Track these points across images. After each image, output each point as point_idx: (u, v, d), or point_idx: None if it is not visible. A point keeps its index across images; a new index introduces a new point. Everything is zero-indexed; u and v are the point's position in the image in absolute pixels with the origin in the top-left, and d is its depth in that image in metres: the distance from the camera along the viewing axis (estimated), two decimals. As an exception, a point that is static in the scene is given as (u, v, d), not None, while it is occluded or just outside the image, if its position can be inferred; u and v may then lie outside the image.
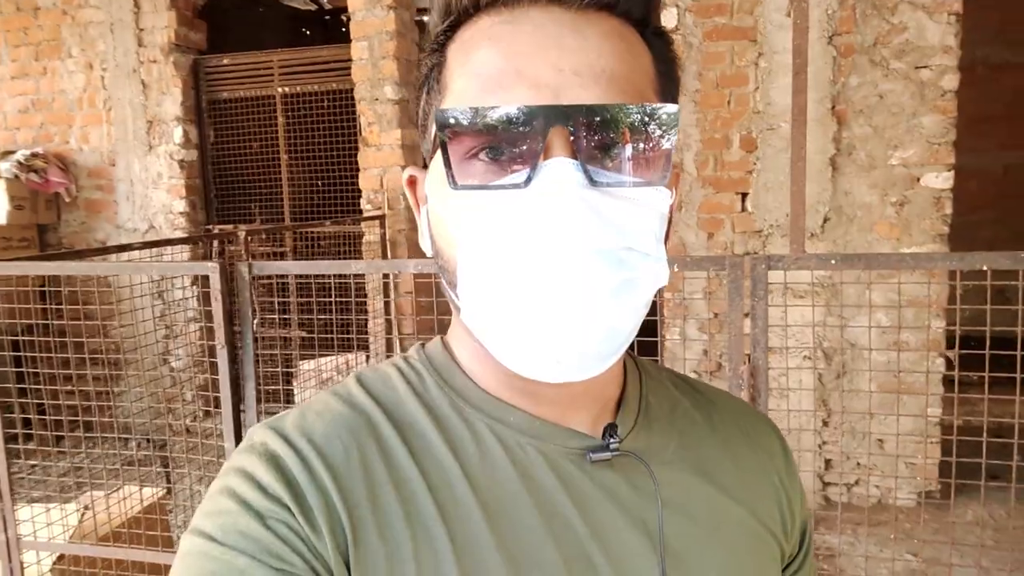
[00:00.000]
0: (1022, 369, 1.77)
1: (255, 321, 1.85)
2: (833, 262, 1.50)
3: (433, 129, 0.55)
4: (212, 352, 2.00)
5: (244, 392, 1.89)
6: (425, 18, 5.35)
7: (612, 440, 0.57)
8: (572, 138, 0.49)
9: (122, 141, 5.05)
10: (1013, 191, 6.55)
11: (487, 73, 0.51)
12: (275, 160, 4.94)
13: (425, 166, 0.60)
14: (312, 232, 4.71)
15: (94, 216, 5.22)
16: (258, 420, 1.93)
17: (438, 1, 0.56)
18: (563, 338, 0.49)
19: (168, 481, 3.70)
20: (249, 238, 3.66)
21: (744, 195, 3.81)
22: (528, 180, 0.49)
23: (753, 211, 3.78)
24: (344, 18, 6.94)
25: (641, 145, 0.50)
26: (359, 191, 4.47)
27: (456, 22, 0.55)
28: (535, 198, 0.48)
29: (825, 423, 3.69)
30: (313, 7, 6.75)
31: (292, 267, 1.90)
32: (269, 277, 2.79)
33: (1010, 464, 1.88)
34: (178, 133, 4.91)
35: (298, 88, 4.75)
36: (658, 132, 0.50)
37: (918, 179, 3.52)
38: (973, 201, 5.33)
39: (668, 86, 0.57)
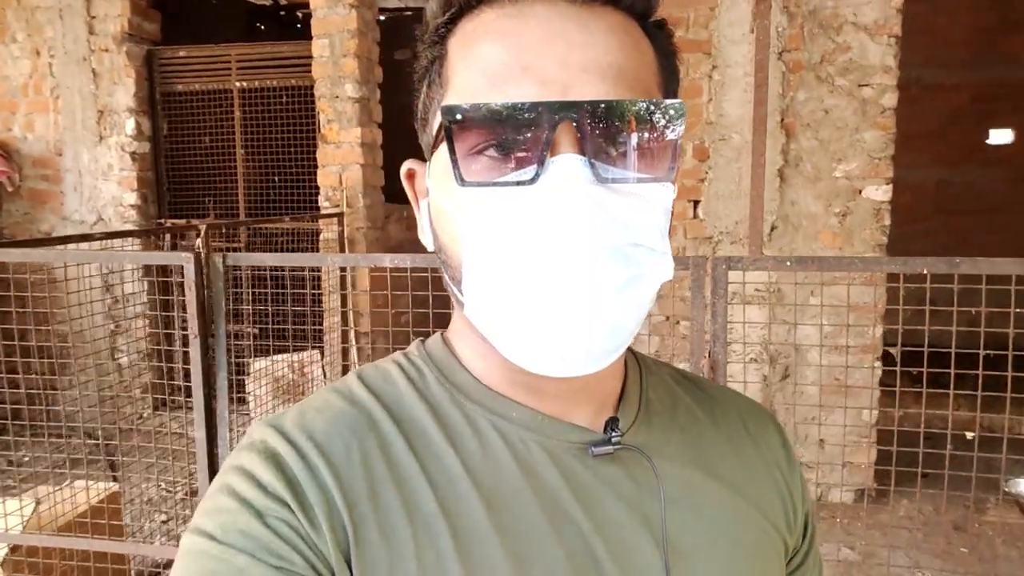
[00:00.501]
0: (956, 372, 1.91)
1: (221, 314, 1.86)
2: (788, 264, 1.61)
3: (436, 123, 0.55)
4: (167, 341, 2.00)
5: (216, 383, 1.91)
6: (382, 18, 5.37)
7: (614, 434, 0.57)
8: (580, 134, 0.49)
9: (70, 130, 4.93)
10: (945, 205, 6.91)
11: (493, 68, 0.51)
12: (231, 154, 4.88)
13: (422, 159, 0.60)
14: (268, 228, 4.68)
15: (39, 207, 5.07)
16: (229, 411, 1.95)
17: None
18: (569, 334, 0.49)
19: (114, 478, 3.64)
20: (210, 231, 3.63)
21: (696, 203, 3.95)
22: (536, 177, 0.49)
23: (704, 218, 3.93)
24: (299, 14, 6.90)
25: (648, 140, 0.50)
26: (317, 188, 4.46)
27: (457, 14, 0.55)
28: (543, 195, 0.49)
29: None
30: (268, 2, 6.69)
31: (268, 259, 1.93)
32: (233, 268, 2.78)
33: (942, 462, 2.02)
34: (130, 124, 4.81)
35: (256, 83, 4.72)
36: (665, 127, 0.50)
37: (860, 191, 3.71)
38: (908, 214, 5.62)
39: (670, 79, 0.57)
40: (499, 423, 0.57)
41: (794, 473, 0.68)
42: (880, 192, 3.68)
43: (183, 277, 1.84)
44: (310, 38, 4.36)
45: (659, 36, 0.56)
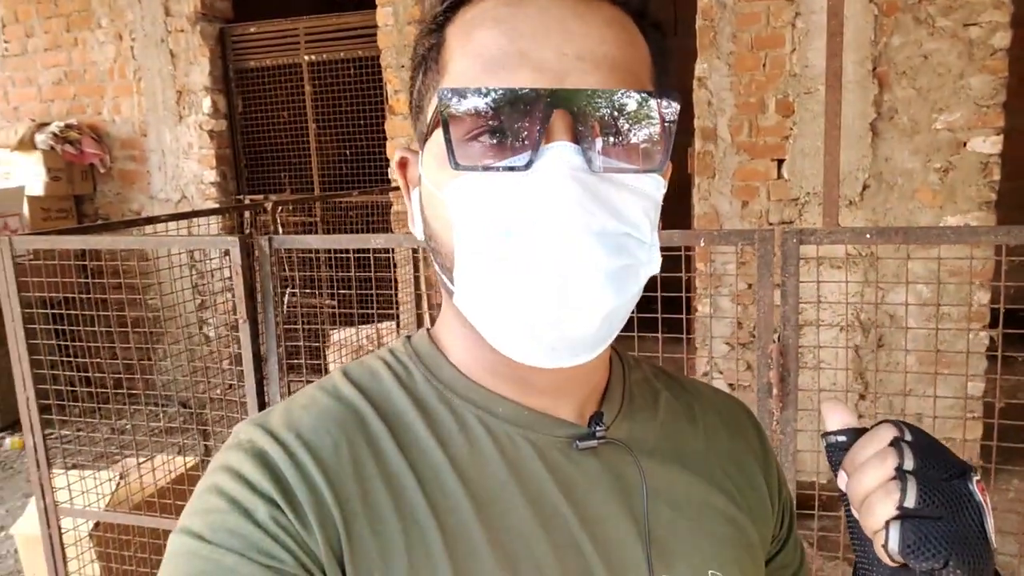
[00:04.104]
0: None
1: (288, 292, 1.84)
2: (868, 236, 1.42)
3: (430, 109, 0.55)
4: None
5: (267, 367, 1.89)
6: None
7: (598, 428, 0.58)
8: (574, 122, 0.49)
9: (152, 111, 5.07)
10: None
11: (490, 54, 0.51)
12: (303, 129, 4.92)
13: (416, 148, 0.60)
14: (341, 202, 4.70)
15: (128, 186, 5.27)
16: (281, 396, 1.93)
17: None
18: (559, 323, 0.49)
19: (206, 447, 3.77)
20: (279, 208, 3.66)
21: (780, 162, 3.69)
22: (529, 163, 0.49)
23: (789, 178, 3.66)
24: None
25: (642, 132, 0.51)
26: (387, 160, 4.43)
27: (457, 2, 0.55)
28: (536, 181, 0.48)
29: (862, 396, 3.60)
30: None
31: (313, 241, 1.88)
32: (292, 250, 2.78)
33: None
34: (207, 103, 4.91)
35: (324, 56, 4.71)
36: (659, 119, 0.51)
37: (964, 144, 3.36)
38: (1021, 168, 5.12)
39: (663, 77, 0.57)
40: (486, 418, 0.58)
41: (770, 464, 0.70)
42: (988, 144, 3.32)
43: (229, 261, 1.81)
44: (376, 8, 4.30)
45: (654, 34, 0.57)
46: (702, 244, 1.63)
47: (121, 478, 2.69)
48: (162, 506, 2.38)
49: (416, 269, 4.22)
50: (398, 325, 4.29)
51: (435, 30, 0.56)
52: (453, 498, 0.54)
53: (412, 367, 0.61)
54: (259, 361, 1.89)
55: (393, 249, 4.22)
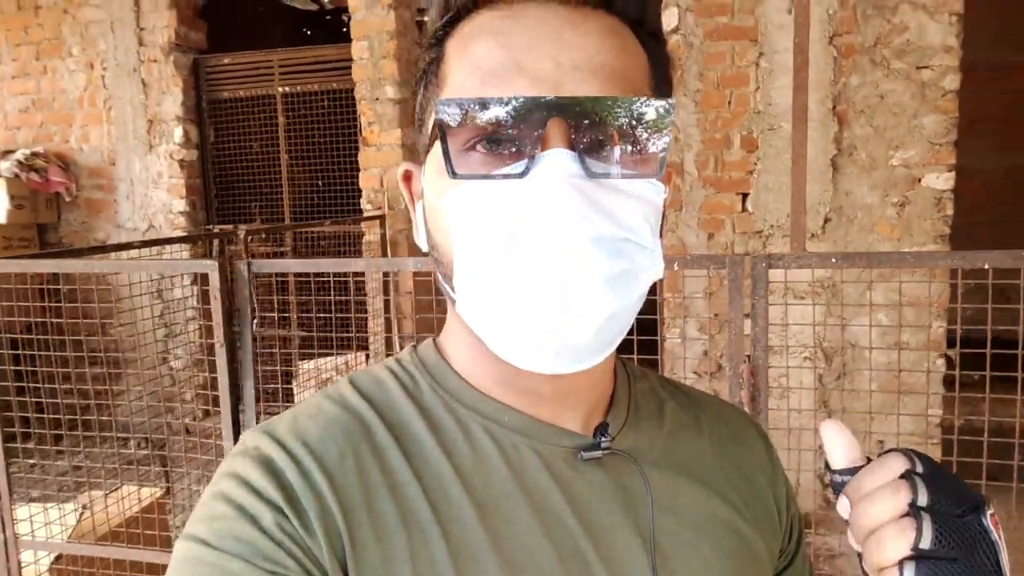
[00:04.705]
0: (1023, 369, 1.76)
1: (254, 321, 1.84)
2: (834, 260, 1.49)
3: (431, 122, 0.55)
4: (212, 351, 1.99)
5: (243, 391, 1.89)
6: (426, 18, 5.35)
7: (603, 439, 0.58)
8: (570, 130, 0.49)
9: (122, 140, 5.05)
10: (1014, 193, 6.54)
11: (487, 65, 0.52)
12: (275, 160, 4.93)
13: (419, 161, 0.60)
14: (312, 232, 4.70)
15: (94, 215, 5.22)
16: (257, 420, 1.93)
17: None
18: (560, 328, 0.50)
19: (167, 481, 3.70)
20: (249, 237, 3.66)
21: (745, 195, 3.80)
22: (526, 171, 0.49)
23: (754, 211, 3.78)
24: (345, 18, 6.95)
25: (638, 138, 0.51)
26: (359, 191, 4.46)
27: (455, 17, 0.56)
28: (533, 188, 0.49)
29: (825, 424, 3.68)
30: (314, 7, 6.75)
31: (292, 265, 1.90)
32: (269, 275, 2.78)
33: (1011, 465, 1.87)
34: (178, 133, 4.90)
35: (299, 88, 4.75)
36: (655, 126, 0.51)
37: (919, 179, 3.51)
38: (974, 203, 5.33)
39: (662, 85, 0.58)
40: (491, 427, 0.57)
41: (777, 477, 0.69)
42: (941, 180, 3.48)
43: (208, 285, 1.82)
44: (352, 41, 4.36)
45: (652, 43, 0.57)
46: (675, 268, 1.69)
47: (84, 509, 2.63)
48: (129, 536, 2.33)
49: (386, 295, 4.22)
50: (367, 356, 4.27)
51: (435, 44, 0.57)
52: (458, 507, 0.54)
53: (418, 376, 0.61)
54: (235, 386, 1.89)
55: (364, 278, 4.23)
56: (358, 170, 4.44)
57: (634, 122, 0.50)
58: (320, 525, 0.50)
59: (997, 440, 1.82)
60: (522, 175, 0.49)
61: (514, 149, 0.50)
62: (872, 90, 3.52)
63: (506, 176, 0.50)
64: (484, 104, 0.49)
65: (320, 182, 4.90)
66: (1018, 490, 1.87)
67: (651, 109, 0.51)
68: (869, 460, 0.48)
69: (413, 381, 0.60)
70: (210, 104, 5.00)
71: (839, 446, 0.49)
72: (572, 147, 0.49)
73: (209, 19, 5.10)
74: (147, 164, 5.01)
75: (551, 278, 0.48)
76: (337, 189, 4.77)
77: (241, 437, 0.57)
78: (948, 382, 3.50)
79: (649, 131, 0.51)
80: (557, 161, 0.49)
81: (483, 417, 0.58)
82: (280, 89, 4.78)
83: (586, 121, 0.49)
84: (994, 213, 6.25)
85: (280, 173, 4.94)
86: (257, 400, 1.86)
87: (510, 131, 0.49)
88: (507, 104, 0.49)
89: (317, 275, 3.38)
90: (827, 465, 0.48)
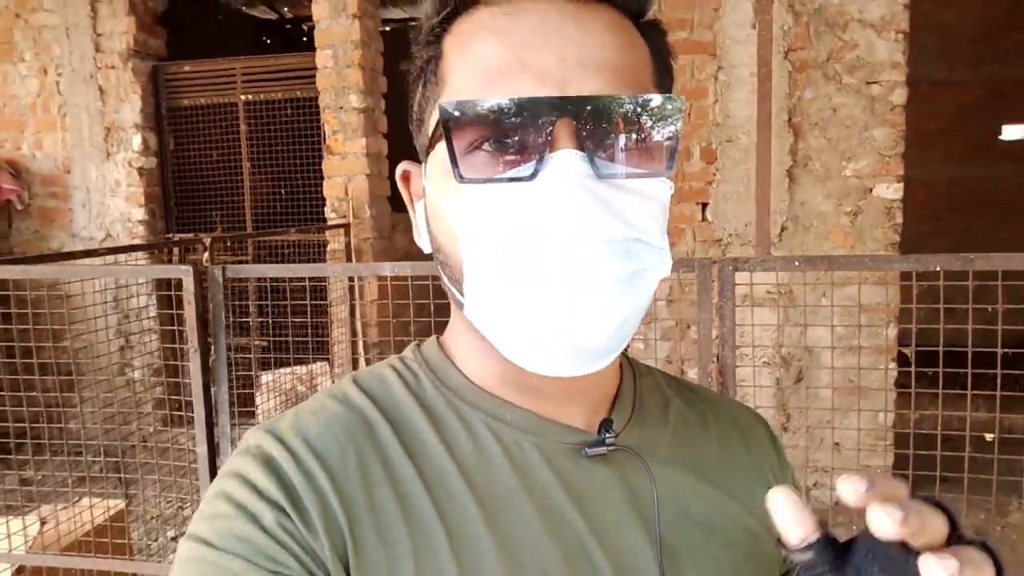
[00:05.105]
0: (973, 372, 1.85)
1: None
2: (797, 264, 1.57)
3: (432, 123, 0.54)
4: (177, 356, 1.98)
5: (217, 397, 1.88)
6: (386, 29, 5.37)
7: (608, 435, 0.57)
8: (578, 130, 0.48)
9: (78, 148, 4.95)
10: (958, 203, 6.83)
11: (490, 64, 0.51)
12: (237, 168, 4.89)
13: (417, 160, 0.60)
14: (275, 240, 4.67)
15: (48, 224, 5.09)
16: (231, 426, 1.93)
17: None
18: (572, 331, 0.49)
19: (125, 495, 3.62)
20: (216, 245, 3.62)
21: (704, 205, 3.90)
22: (535, 173, 0.49)
23: (713, 221, 3.88)
24: (305, 27, 6.93)
25: (646, 136, 0.50)
26: (323, 199, 4.45)
27: (453, 13, 0.55)
28: (543, 190, 0.48)
29: (784, 428, 3.79)
30: (274, 16, 6.72)
31: (267, 270, 1.90)
32: (237, 280, 2.76)
33: (961, 465, 1.96)
34: (137, 140, 4.82)
35: (262, 96, 4.72)
36: (663, 123, 0.51)
37: (870, 190, 3.65)
38: (921, 213, 5.54)
39: (664, 77, 0.57)
40: (494, 425, 0.57)
41: (786, 474, 0.68)
42: (891, 190, 3.63)
43: (183, 290, 1.82)
44: (315, 50, 4.36)
45: (653, 34, 0.57)
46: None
47: (43, 523, 2.58)
48: (92, 547, 2.29)
49: (352, 312, 4.22)
50: (331, 365, 4.25)
51: (432, 42, 0.56)
52: (460, 504, 0.53)
53: (421, 374, 0.60)
54: (208, 391, 1.89)
55: (327, 288, 4.21)
56: (321, 179, 4.43)
57: (643, 120, 0.50)
58: (322, 523, 0.50)
59: (950, 432, 1.91)
60: (531, 177, 0.49)
61: (521, 150, 0.49)
62: (825, 103, 3.65)
63: (514, 179, 0.49)
64: (489, 105, 0.48)
65: (283, 190, 4.87)
66: (967, 490, 1.96)
67: (659, 106, 0.50)
68: (824, 528, 0.40)
69: (416, 378, 0.60)
70: (170, 112, 4.93)
71: (791, 523, 0.40)
72: (581, 147, 0.48)
73: (168, 27, 5.05)
74: (104, 172, 4.92)
75: (561, 281, 0.48)
76: (300, 198, 4.74)
77: (244, 435, 0.57)
78: (900, 387, 3.64)
79: (658, 128, 0.51)
80: (566, 163, 0.48)
81: (486, 414, 0.57)
82: (243, 97, 4.75)
83: (594, 120, 0.48)
84: (940, 223, 6.52)
85: (242, 181, 4.89)
86: (230, 404, 1.86)
87: (517, 132, 0.49)
88: (514, 105, 0.48)
89: (279, 282, 3.37)
90: (779, 541, 0.41)
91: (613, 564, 0.54)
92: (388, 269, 1.73)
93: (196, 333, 1.82)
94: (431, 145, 0.55)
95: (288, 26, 6.96)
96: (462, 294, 0.54)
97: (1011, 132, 6.85)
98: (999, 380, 1.78)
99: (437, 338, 0.64)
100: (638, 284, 0.51)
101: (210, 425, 1.89)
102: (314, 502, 0.50)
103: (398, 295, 2.01)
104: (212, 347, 1.89)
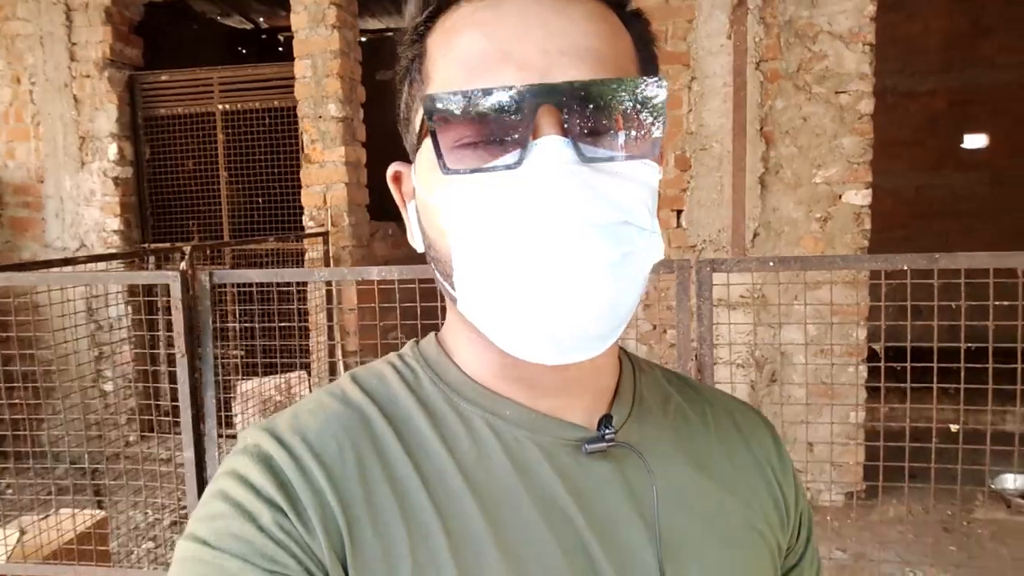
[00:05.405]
0: (939, 373, 1.93)
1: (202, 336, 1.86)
2: (771, 264, 1.63)
3: (418, 120, 0.55)
4: (154, 364, 1.99)
5: (204, 403, 1.90)
6: (363, 39, 5.40)
7: (607, 431, 0.57)
8: (561, 116, 0.49)
9: (51, 157, 4.91)
10: (924, 210, 7.00)
11: (473, 58, 0.51)
12: (214, 177, 4.88)
13: (409, 160, 0.60)
14: (253, 250, 4.67)
15: (19, 235, 5.04)
16: (218, 430, 1.94)
17: None
18: (564, 316, 0.49)
19: (100, 504, 3.59)
20: (195, 253, 3.62)
21: (679, 212, 3.98)
22: (520, 160, 0.49)
23: (687, 227, 3.96)
24: (280, 37, 6.93)
25: (630, 119, 0.51)
26: (301, 208, 4.46)
27: (436, 11, 0.55)
28: (528, 177, 0.48)
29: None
30: (249, 26, 6.73)
31: (255, 275, 1.93)
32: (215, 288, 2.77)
33: (930, 460, 2.03)
34: (112, 150, 4.80)
35: (239, 105, 4.73)
36: (645, 106, 0.51)
37: (840, 196, 3.76)
38: (888, 220, 5.68)
39: (649, 65, 0.58)
40: (493, 421, 0.57)
41: (787, 472, 0.68)
42: (860, 196, 3.73)
43: (169, 296, 1.83)
44: (292, 60, 4.39)
45: (636, 24, 0.57)
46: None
47: (23, 533, 2.56)
48: (70, 556, 2.28)
49: (330, 319, 4.23)
50: (309, 374, 4.24)
51: (416, 41, 0.56)
52: (459, 501, 0.53)
53: (419, 371, 0.60)
54: (195, 397, 1.90)
55: (306, 295, 4.22)
56: (299, 188, 4.45)
57: (625, 103, 0.50)
58: (319, 522, 0.50)
59: (918, 425, 1.98)
60: (515, 165, 0.49)
61: (506, 139, 0.49)
62: (796, 113, 3.75)
63: (499, 168, 0.49)
64: (472, 97, 0.49)
65: (260, 199, 4.87)
66: (934, 487, 2.03)
67: (641, 89, 0.50)
68: None
69: (415, 376, 0.60)
70: (146, 121, 4.92)
71: None
72: (564, 133, 0.49)
73: (143, 36, 5.03)
74: (78, 182, 4.88)
75: (551, 267, 0.48)
76: (278, 206, 4.75)
77: (242, 434, 0.57)
78: (870, 389, 3.73)
79: (641, 111, 0.51)
80: (550, 148, 0.48)
81: (484, 411, 0.57)
82: (220, 107, 4.75)
83: (577, 106, 0.48)
84: (907, 229, 6.68)
85: (219, 191, 4.89)
86: (222, 408, 1.87)
87: (501, 121, 0.49)
88: (496, 95, 0.48)
89: (260, 286, 3.38)
90: None
91: (613, 560, 0.54)
92: (376, 273, 1.76)
93: (184, 339, 1.84)
94: (419, 143, 0.56)
95: (263, 36, 6.97)
96: (454, 288, 0.54)
97: (973, 141, 7.05)
98: (963, 374, 1.86)
99: (436, 335, 0.64)
100: (629, 266, 0.50)
101: (197, 431, 1.91)
102: (312, 501, 0.50)
103: (382, 301, 2.04)
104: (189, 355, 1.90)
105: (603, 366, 0.59)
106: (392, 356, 0.63)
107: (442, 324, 0.64)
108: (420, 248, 0.60)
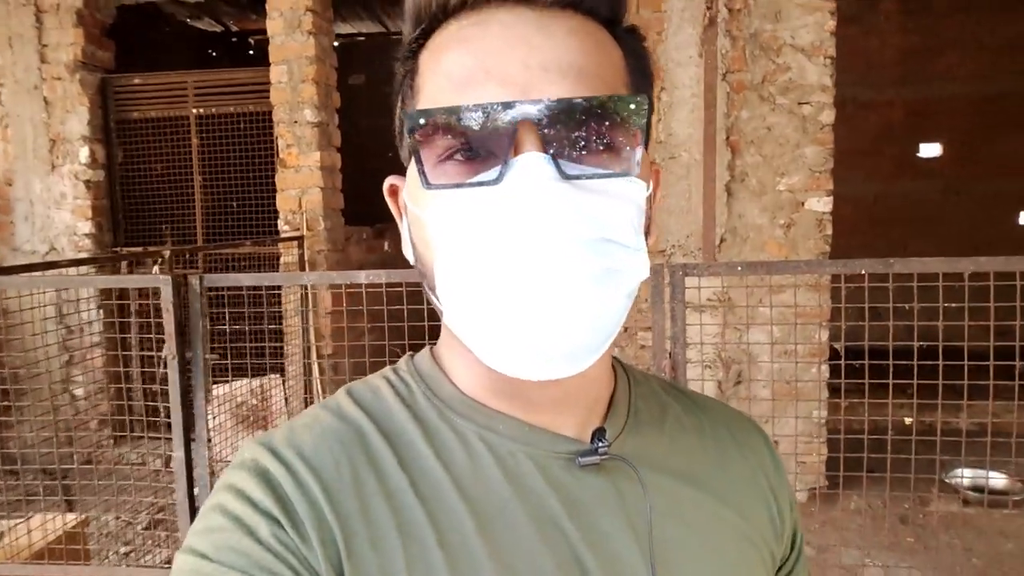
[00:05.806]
0: (895, 371, 2.06)
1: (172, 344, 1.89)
2: (739, 268, 1.74)
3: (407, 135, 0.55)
4: (124, 367, 2.03)
5: (195, 406, 1.95)
6: (336, 43, 5.44)
7: (601, 444, 0.57)
8: (541, 132, 0.49)
9: (21, 159, 4.87)
10: (882, 217, 7.25)
11: (457, 73, 0.51)
12: (188, 181, 4.89)
13: (404, 174, 0.61)
14: (228, 254, 4.68)
15: (-13, 238, 4.99)
16: (207, 433, 1.99)
17: (409, 10, 0.57)
18: (547, 331, 0.49)
19: (70, 508, 3.58)
20: (173, 258, 3.64)
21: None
22: (500, 177, 0.49)
23: (656, 234, 4.08)
24: (252, 40, 6.93)
25: (610, 136, 0.51)
26: (275, 212, 4.49)
27: (428, 29, 0.56)
28: (508, 193, 0.48)
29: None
30: (219, 28, 6.72)
31: (244, 279, 1.98)
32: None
33: (885, 458, 2.16)
34: (84, 153, 4.78)
35: (213, 110, 4.75)
36: (627, 122, 0.51)
37: (802, 203, 3.91)
38: (848, 226, 5.88)
39: (640, 81, 0.58)
40: (487, 436, 0.57)
41: (782, 484, 0.68)
42: (821, 204, 3.89)
43: (150, 300, 1.88)
44: (263, 64, 4.42)
45: (628, 39, 0.57)
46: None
47: (0, 536, 2.57)
48: (53, 557, 2.30)
49: (305, 320, 4.26)
50: (283, 378, 4.27)
51: (409, 58, 0.57)
52: (454, 515, 0.53)
53: (413, 385, 0.61)
54: (186, 399, 1.95)
55: (279, 299, 4.25)
56: (274, 192, 4.48)
57: (606, 120, 0.50)
58: (316, 535, 0.50)
59: (876, 418, 2.10)
60: (495, 181, 0.49)
61: (487, 155, 0.50)
62: (760, 123, 3.90)
63: (480, 183, 0.50)
64: (452, 112, 0.49)
65: (235, 203, 4.88)
66: (891, 482, 2.16)
67: (623, 105, 0.50)
68: None
69: (408, 389, 0.60)
70: (119, 124, 4.90)
71: None
72: (545, 150, 0.49)
73: (114, 39, 5.02)
74: (49, 185, 4.85)
75: (531, 282, 0.48)
76: (252, 210, 4.77)
77: (239, 449, 0.57)
78: (831, 388, 3.89)
79: (622, 128, 0.51)
80: (530, 165, 0.48)
81: (478, 426, 0.57)
82: (194, 110, 4.76)
83: (557, 122, 0.49)
84: (866, 236, 6.90)
85: (193, 194, 4.89)
86: (214, 407, 1.92)
87: (481, 137, 0.49)
88: (476, 110, 0.48)
89: (232, 290, 3.41)
90: None
91: (606, 573, 0.54)
92: (363, 277, 1.83)
93: (175, 341, 1.88)
94: (409, 157, 0.56)
95: (234, 39, 6.96)
96: (439, 300, 0.54)
97: (928, 150, 7.33)
98: (915, 372, 1.99)
99: (431, 348, 0.64)
100: (611, 281, 0.50)
101: (187, 431, 1.96)
102: (309, 514, 0.51)
103: (360, 304, 2.10)
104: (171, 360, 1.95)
105: (595, 379, 0.59)
106: (387, 370, 0.64)
107: (425, 329, 0.68)
108: (412, 260, 0.60)
